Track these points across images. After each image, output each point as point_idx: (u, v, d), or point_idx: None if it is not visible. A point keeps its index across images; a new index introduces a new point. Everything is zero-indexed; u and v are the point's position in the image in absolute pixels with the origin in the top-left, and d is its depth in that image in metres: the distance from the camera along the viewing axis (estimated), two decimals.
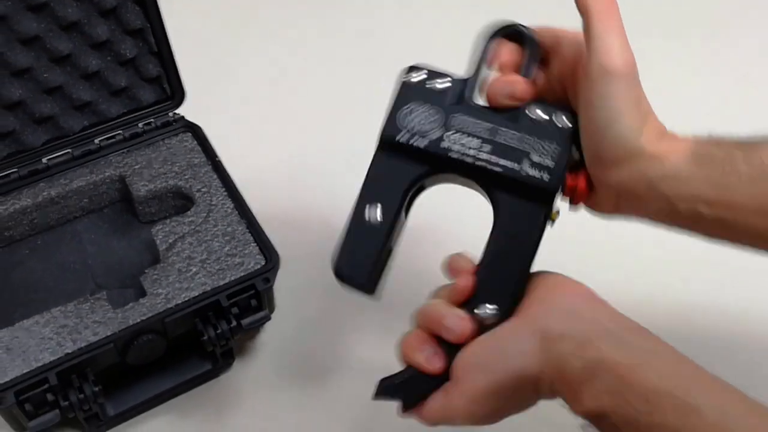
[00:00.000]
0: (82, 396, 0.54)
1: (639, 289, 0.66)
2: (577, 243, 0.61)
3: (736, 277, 0.67)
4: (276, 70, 0.87)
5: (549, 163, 0.44)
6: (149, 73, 0.67)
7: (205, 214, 0.64)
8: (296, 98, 0.83)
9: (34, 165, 0.65)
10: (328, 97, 0.82)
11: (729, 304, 0.67)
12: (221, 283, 0.59)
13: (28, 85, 0.63)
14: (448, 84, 0.46)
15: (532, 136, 0.44)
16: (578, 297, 0.43)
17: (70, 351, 0.55)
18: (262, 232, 0.62)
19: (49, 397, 0.54)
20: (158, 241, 0.62)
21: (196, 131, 0.69)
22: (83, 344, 0.56)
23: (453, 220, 0.66)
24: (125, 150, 0.68)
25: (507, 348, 0.42)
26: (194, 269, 0.60)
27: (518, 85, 0.45)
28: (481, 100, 0.47)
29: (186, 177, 0.66)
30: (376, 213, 0.46)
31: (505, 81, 0.45)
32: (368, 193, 0.47)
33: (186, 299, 0.58)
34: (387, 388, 0.46)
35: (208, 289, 0.59)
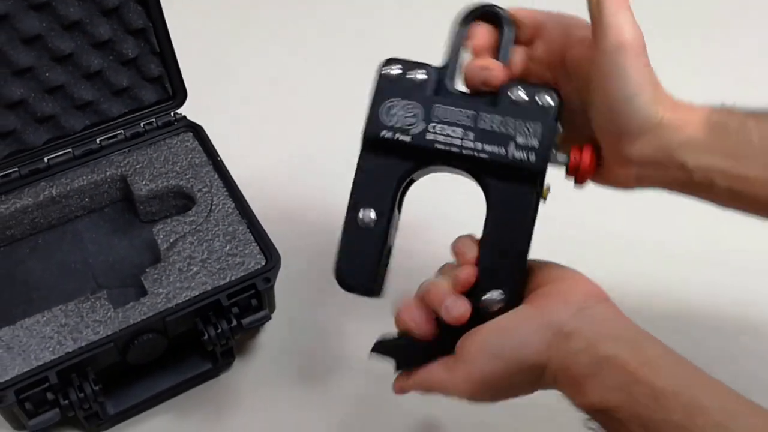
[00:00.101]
0: (82, 395, 0.54)
1: (638, 288, 0.66)
2: (575, 242, 0.61)
3: (735, 276, 0.68)
4: (277, 70, 0.87)
5: (534, 143, 0.44)
6: (151, 72, 0.67)
7: (206, 214, 0.64)
8: (297, 98, 0.83)
9: (35, 164, 0.65)
10: (329, 96, 0.82)
11: (728, 303, 0.67)
12: (222, 282, 0.59)
13: (29, 84, 0.63)
14: (426, 74, 0.46)
15: (514, 118, 0.44)
16: (592, 297, 0.43)
17: (70, 350, 0.56)
18: (263, 231, 0.62)
19: (50, 395, 0.54)
20: (159, 241, 0.62)
21: (197, 131, 0.69)
22: (84, 343, 0.56)
23: (446, 209, 0.66)
24: (126, 149, 0.68)
25: (517, 336, 0.42)
26: (195, 269, 0.60)
27: (492, 70, 0.45)
28: (461, 86, 0.46)
29: (187, 177, 0.66)
30: (369, 215, 0.46)
31: (479, 66, 0.45)
32: (359, 195, 0.47)
33: (186, 298, 0.58)
34: (383, 346, 0.47)
35: (209, 288, 0.59)
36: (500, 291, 0.44)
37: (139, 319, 0.57)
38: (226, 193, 0.65)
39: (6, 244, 0.66)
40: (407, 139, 0.45)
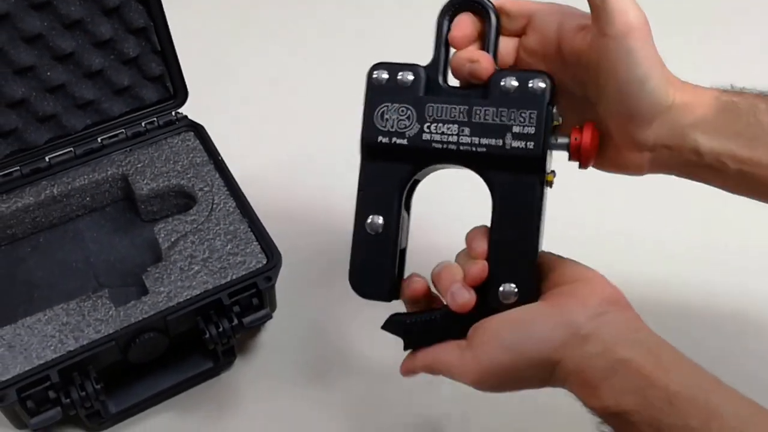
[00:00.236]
0: (83, 393, 0.54)
1: (638, 288, 0.66)
2: (576, 242, 0.61)
3: (736, 276, 0.68)
4: (277, 70, 0.87)
5: (530, 130, 0.43)
6: (152, 72, 0.67)
7: (207, 213, 0.64)
8: (298, 97, 0.83)
9: (36, 163, 0.65)
10: (330, 96, 0.82)
11: (728, 302, 0.67)
12: (223, 281, 0.59)
13: (30, 83, 0.63)
14: (415, 74, 0.45)
15: (508, 107, 0.44)
16: (611, 303, 0.43)
17: (72, 349, 0.56)
18: (264, 230, 0.62)
19: (51, 394, 0.54)
20: (160, 240, 0.62)
21: (198, 130, 0.69)
22: (85, 342, 0.56)
23: (455, 204, 0.66)
24: (128, 149, 0.68)
25: (533, 332, 0.42)
26: (196, 268, 0.60)
27: (479, 62, 0.44)
28: (451, 81, 0.46)
29: (188, 176, 0.66)
30: (377, 221, 0.46)
31: (466, 58, 0.45)
32: (365, 203, 0.47)
33: (188, 297, 0.58)
34: (393, 324, 0.47)
35: (210, 287, 0.59)
36: (514, 284, 0.44)
37: (140, 318, 0.57)
38: (227, 192, 0.65)
39: (7, 243, 0.66)
40: (404, 141, 0.45)
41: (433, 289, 0.48)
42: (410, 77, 0.45)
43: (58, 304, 0.58)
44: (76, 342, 0.56)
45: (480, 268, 0.44)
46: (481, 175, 0.45)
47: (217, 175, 0.66)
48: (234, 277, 0.59)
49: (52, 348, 0.56)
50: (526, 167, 0.44)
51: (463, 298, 0.44)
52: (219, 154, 0.68)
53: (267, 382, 0.63)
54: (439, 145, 0.45)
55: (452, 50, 0.46)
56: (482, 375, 0.44)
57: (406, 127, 0.45)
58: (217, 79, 0.83)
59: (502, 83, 0.44)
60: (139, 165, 0.67)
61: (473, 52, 0.45)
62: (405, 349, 0.48)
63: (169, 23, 0.65)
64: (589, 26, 0.44)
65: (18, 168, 0.65)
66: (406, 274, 0.49)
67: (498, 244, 0.45)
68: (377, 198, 0.46)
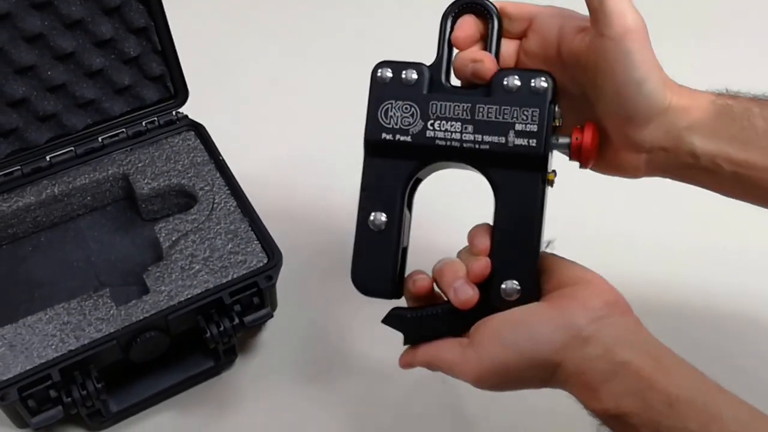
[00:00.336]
0: (84, 392, 0.55)
1: (638, 287, 0.66)
2: (576, 242, 0.62)
3: (735, 275, 0.68)
4: (278, 70, 0.87)
5: (533, 128, 0.44)
6: (153, 71, 0.67)
7: (207, 212, 0.64)
8: (298, 97, 0.83)
9: (37, 163, 0.66)
10: (331, 95, 0.82)
11: (728, 301, 0.67)
12: (224, 280, 0.59)
13: (31, 82, 0.63)
14: (419, 73, 0.46)
15: (510, 105, 0.44)
16: (613, 306, 0.43)
17: (73, 348, 0.56)
18: (265, 230, 0.62)
19: (52, 393, 0.54)
20: (161, 239, 0.62)
21: (199, 130, 0.70)
22: (86, 341, 0.56)
23: (456, 202, 0.66)
24: (128, 148, 0.68)
25: (535, 332, 0.42)
26: (197, 267, 0.60)
27: (482, 62, 0.45)
28: (454, 80, 0.47)
29: (189, 175, 0.66)
30: (380, 218, 0.46)
31: (469, 58, 0.45)
32: (368, 200, 0.47)
33: (189, 296, 0.58)
34: (395, 319, 0.47)
35: (211, 286, 0.59)
36: (517, 282, 0.44)
37: (141, 317, 0.57)
38: (228, 191, 0.65)
39: (8, 242, 0.67)
40: (408, 139, 0.46)
41: (434, 287, 0.48)
42: (414, 75, 0.46)
43: (59, 303, 0.58)
44: (77, 341, 0.56)
45: (483, 264, 0.45)
46: (484, 173, 0.46)
47: (218, 175, 0.66)
48: (235, 276, 0.60)
49: (54, 347, 0.56)
50: (528, 165, 0.44)
51: (466, 294, 0.44)
52: (219, 154, 0.68)
53: (268, 381, 0.63)
54: (443, 143, 0.45)
55: (455, 51, 0.47)
56: (483, 373, 0.44)
57: (409, 125, 0.46)
58: (218, 78, 0.83)
59: (504, 82, 0.44)
60: (139, 164, 0.67)
61: (476, 52, 0.46)
62: (405, 343, 0.48)
63: (169, 23, 0.65)
64: (588, 28, 0.44)
65: (19, 167, 0.65)
66: (407, 272, 0.49)
67: (500, 242, 0.45)
68: (380, 195, 0.47)
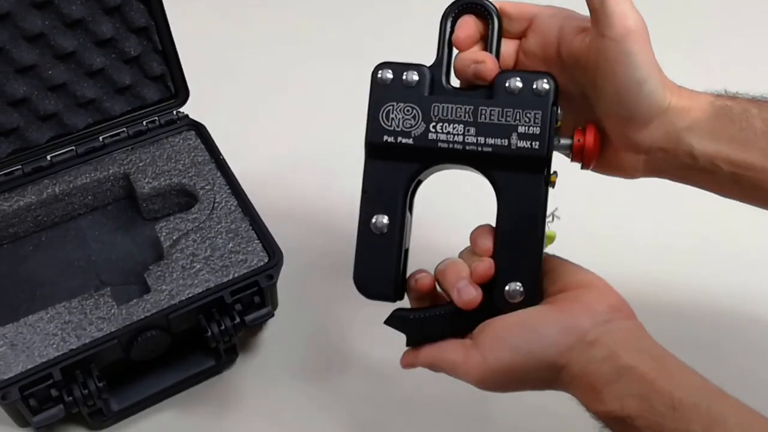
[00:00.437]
0: (86, 391, 0.55)
1: (637, 286, 0.66)
2: (576, 241, 0.62)
3: (735, 274, 0.68)
4: (279, 69, 0.87)
5: (536, 130, 0.44)
6: (153, 71, 0.67)
7: (208, 212, 0.64)
8: (299, 96, 0.83)
9: (38, 162, 0.66)
10: (331, 95, 0.82)
11: (727, 300, 0.67)
12: (225, 279, 0.59)
13: (32, 82, 0.63)
14: (420, 74, 0.46)
15: (513, 107, 0.44)
16: (617, 311, 0.43)
17: (74, 347, 0.56)
18: (266, 229, 0.62)
19: (53, 392, 0.54)
20: (162, 238, 0.62)
21: (199, 129, 0.70)
22: (87, 340, 0.56)
23: (457, 203, 0.66)
24: (129, 147, 0.68)
25: (541, 335, 0.43)
26: (198, 266, 0.60)
27: (484, 62, 0.45)
28: (455, 82, 0.47)
29: (190, 175, 0.67)
30: (382, 221, 0.46)
31: (471, 59, 0.45)
32: (369, 203, 0.47)
33: (190, 296, 0.58)
34: (398, 320, 0.47)
35: (212, 285, 0.59)
36: (520, 284, 0.44)
37: (142, 316, 0.57)
38: (229, 190, 0.65)
39: (9, 241, 0.67)
40: (410, 141, 0.45)
41: (436, 286, 0.48)
42: (415, 77, 0.46)
43: (60, 302, 0.58)
44: (79, 340, 0.56)
45: (487, 265, 0.45)
46: (486, 175, 0.46)
47: (219, 174, 0.67)
48: (236, 275, 0.60)
49: (55, 346, 0.56)
50: (531, 167, 0.44)
51: (469, 294, 0.44)
52: (220, 153, 0.68)
53: (269, 380, 0.63)
54: (445, 145, 0.45)
55: (455, 51, 0.47)
56: (487, 374, 0.44)
57: (411, 127, 0.45)
58: (218, 78, 0.83)
59: (506, 84, 0.44)
60: (140, 164, 0.67)
61: (478, 53, 0.46)
62: (408, 344, 0.48)
63: (170, 22, 0.65)
64: (588, 29, 0.44)
65: (20, 167, 0.65)
66: (408, 273, 0.49)
67: (503, 244, 0.45)
68: (382, 198, 0.46)
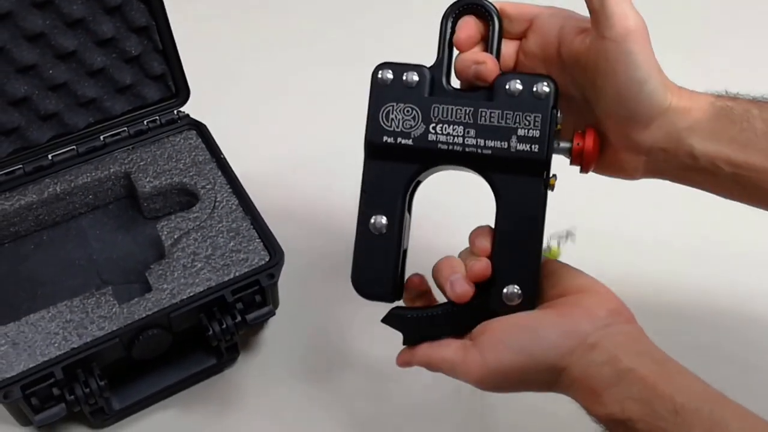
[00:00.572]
0: (87, 390, 0.55)
1: (637, 286, 0.66)
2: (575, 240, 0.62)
3: (734, 273, 0.68)
4: (279, 69, 0.87)
5: (535, 133, 0.44)
6: (154, 70, 0.67)
7: (209, 211, 0.64)
8: (300, 96, 0.84)
9: (39, 161, 0.66)
10: (332, 94, 0.82)
11: (726, 299, 0.67)
12: (226, 278, 0.59)
13: (33, 81, 0.63)
14: (420, 75, 0.46)
15: (513, 110, 0.44)
16: (618, 315, 0.43)
17: (75, 346, 0.56)
18: (267, 228, 0.62)
19: (55, 391, 0.54)
20: (163, 237, 0.63)
21: (200, 129, 0.70)
22: (89, 339, 0.56)
23: (455, 205, 0.66)
24: (130, 147, 0.68)
25: (542, 337, 0.43)
26: (199, 265, 0.60)
27: (485, 64, 0.45)
28: (455, 83, 0.47)
29: (190, 174, 0.67)
30: (381, 221, 0.46)
31: (472, 60, 0.45)
32: (368, 203, 0.47)
33: (191, 294, 0.59)
34: (395, 318, 0.47)
35: (213, 284, 0.59)
36: (517, 286, 0.44)
37: (143, 315, 0.57)
38: (230, 189, 0.65)
39: (10, 240, 0.67)
40: (409, 142, 0.45)
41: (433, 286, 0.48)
42: (415, 78, 0.46)
43: (61, 301, 0.59)
44: (80, 339, 0.56)
45: (484, 265, 0.45)
46: (485, 177, 0.46)
47: (219, 173, 0.67)
48: (237, 274, 0.60)
49: (56, 345, 0.56)
50: (530, 170, 0.44)
51: (462, 288, 0.45)
52: (221, 153, 0.68)
53: (270, 379, 0.63)
54: (445, 146, 0.45)
55: (455, 52, 0.47)
56: (486, 375, 0.44)
57: (411, 128, 0.45)
58: (219, 77, 0.84)
59: (507, 86, 0.44)
60: (141, 163, 0.67)
61: (478, 53, 0.46)
62: (404, 343, 0.48)
63: (171, 21, 0.65)
64: (588, 29, 0.44)
65: (21, 166, 0.65)
66: (407, 274, 0.49)
67: (502, 246, 0.45)
68: (381, 198, 0.46)
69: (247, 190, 0.65)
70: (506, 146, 0.44)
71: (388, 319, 0.48)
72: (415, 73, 0.46)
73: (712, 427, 0.38)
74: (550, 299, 0.45)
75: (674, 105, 0.44)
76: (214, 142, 0.69)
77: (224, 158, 0.68)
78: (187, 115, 0.70)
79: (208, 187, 0.66)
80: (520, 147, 0.44)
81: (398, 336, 0.48)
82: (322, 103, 0.82)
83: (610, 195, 0.62)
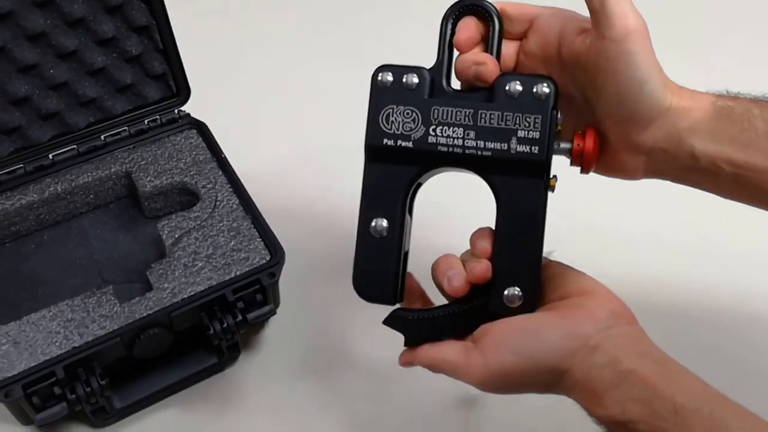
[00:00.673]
0: (88, 389, 0.55)
1: (636, 285, 0.66)
2: (574, 240, 0.62)
3: (734, 272, 0.68)
4: (280, 68, 0.87)
5: (535, 134, 0.44)
6: (155, 70, 0.67)
7: (210, 210, 0.64)
8: (300, 95, 0.84)
9: (40, 161, 0.66)
10: (332, 93, 0.82)
11: (726, 298, 0.67)
12: (227, 277, 0.60)
13: (34, 81, 0.63)
14: (420, 77, 0.46)
15: (513, 111, 0.44)
16: (619, 317, 0.43)
17: (77, 345, 0.56)
18: (267, 227, 0.62)
19: (56, 390, 0.54)
20: (164, 236, 0.63)
21: (201, 128, 0.70)
22: (90, 338, 0.56)
23: (456, 206, 0.66)
24: (131, 146, 0.68)
25: (544, 340, 0.43)
26: (200, 264, 0.61)
27: (485, 64, 0.45)
28: (455, 84, 0.47)
29: (191, 173, 0.67)
30: (382, 224, 0.46)
31: (472, 60, 0.45)
32: (369, 206, 0.47)
33: (192, 293, 0.59)
34: (397, 320, 0.48)
35: (214, 283, 0.59)
36: (518, 288, 0.44)
37: (144, 314, 0.57)
38: (230, 189, 0.66)
39: (11, 240, 0.67)
40: (409, 144, 0.45)
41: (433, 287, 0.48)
42: (415, 80, 0.46)
43: (62, 300, 0.59)
44: (81, 338, 0.56)
45: (484, 267, 0.45)
46: (485, 179, 0.46)
47: (220, 173, 0.67)
48: (238, 273, 0.60)
49: (57, 344, 0.56)
50: (530, 171, 0.44)
51: (459, 282, 0.45)
52: (222, 152, 0.68)
53: (271, 378, 0.63)
54: (445, 149, 0.45)
55: (455, 53, 0.47)
56: (488, 377, 0.44)
57: (411, 130, 0.45)
58: (220, 77, 0.84)
59: (507, 87, 0.44)
60: (142, 162, 0.68)
61: (479, 54, 0.46)
62: (405, 345, 0.48)
63: (171, 21, 0.65)
64: (588, 29, 0.44)
65: (21, 165, 0.65)
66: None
67: (502, 248, 0.45)
68: (382, 201, 0.46)
69: (248, 190, 0.65)
70: (506, 148, 0.44)
71: (389, 321, 0.48)
72: (415, 75, 0.46)
73: (712, 427, 0.38)
74: (552, 301, 0.45)
75: (675, 105, 0.44)
76: (215, 141, 0.69)
77: (225, 157, 0.68)
78: (188, 114, 0.70)
79: (208, 186, 0.66)
80: (520, 148, 0.44)
81: (399, 337, 0.48)
82: (324, 102, 0.82)
83: (610, 195, 0.62)
